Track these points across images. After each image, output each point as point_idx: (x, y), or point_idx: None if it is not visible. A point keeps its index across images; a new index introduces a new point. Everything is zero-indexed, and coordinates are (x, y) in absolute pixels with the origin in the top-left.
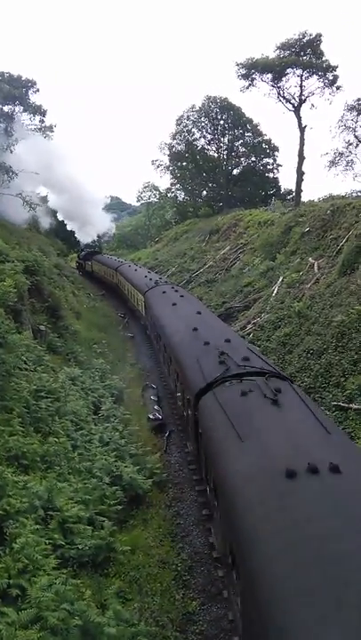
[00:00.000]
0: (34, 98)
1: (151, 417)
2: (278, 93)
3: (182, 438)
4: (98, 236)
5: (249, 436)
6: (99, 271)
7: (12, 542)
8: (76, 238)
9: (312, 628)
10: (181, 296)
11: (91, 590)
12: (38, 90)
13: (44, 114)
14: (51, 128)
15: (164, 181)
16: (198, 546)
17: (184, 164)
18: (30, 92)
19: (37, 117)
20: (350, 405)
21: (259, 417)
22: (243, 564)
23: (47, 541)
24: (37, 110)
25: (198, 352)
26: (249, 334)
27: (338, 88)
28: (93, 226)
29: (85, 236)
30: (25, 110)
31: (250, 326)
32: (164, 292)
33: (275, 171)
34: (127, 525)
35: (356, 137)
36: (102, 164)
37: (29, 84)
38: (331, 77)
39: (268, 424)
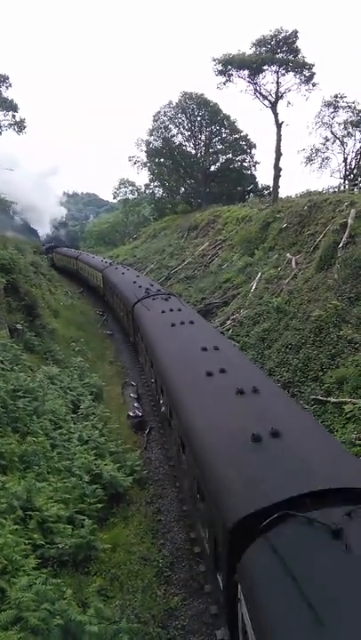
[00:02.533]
0: (6, 93)
1: (131, 414)
2: (255, 90)
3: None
4: (55, 228)
5: (153, 309)
6: (60, 261)
7: None
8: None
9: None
10: (128, 269)
11: (72, 589)
12: (11, 85)
13: (15, 109)
14: (22, 123)
15: (141, 178)
16: (179, 542)
17: (161, 160)
18: (3, 87)
19: (10, 113)
20: (328, 399)
21: (157, 305)
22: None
23: (27, 541)
24: (10, 106)
25: (135, 290)
26: (228, 330)
27: (314, 85)
28: (48, 217)
29: (43, 228)
30: None
31: (229, 322)
32: (116, 269)
33: (252, 168)
34: (108, 523)
35: (332, 133)
36: (79, 159)
37: (2, 79)
38: (307, 74)
39: (162, 305)
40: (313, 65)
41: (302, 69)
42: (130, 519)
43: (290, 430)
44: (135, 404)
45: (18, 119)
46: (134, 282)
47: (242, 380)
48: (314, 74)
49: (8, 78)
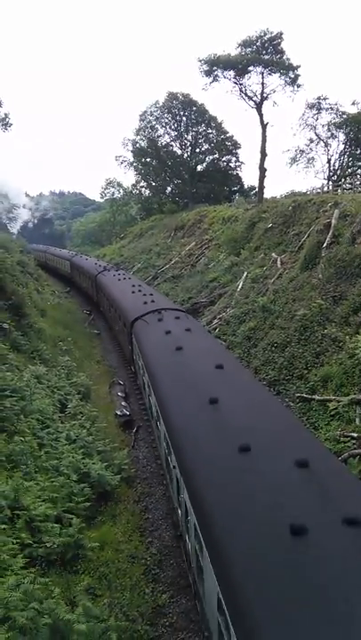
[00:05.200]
0: None
1: (119, 413)
2: (240, 90)
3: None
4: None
5: (108, 276)
6: None
7: None
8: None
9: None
10: (89, 257)
11: (60, 588)
12: None
13: None
14: (6, 117)
15: (128, 177)
16: (167, 539)
17: (148, 160)
18: None
19: None
20: (313, 397)
21: (111, 274)
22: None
23: (14, 541)
24: None
25: (97, 268)
26: (215, 329)
27: (298, 86)
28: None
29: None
30: None
31: (216, 321)
32: (81, 257)
33: (238, 168)
34: (96, 522)
35: (316, 134)
36: (66, 158)
37: None
38: (292, 76)
39: (114, 273)
40: (298, 66)
41: (287, 71)
42: (118, 517)
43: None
44: (123, 403)
45: (2, 115)
46: (95, 263)
47: (145, 293)
48: (299, 75)
49: None
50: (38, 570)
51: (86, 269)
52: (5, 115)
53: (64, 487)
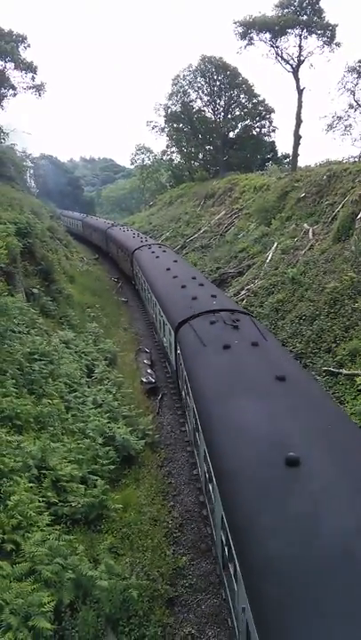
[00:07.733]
0: (25, 54)
1: (144, 380)
2: (277, 53)
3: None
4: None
5: (116, 230)
6: None
7: (6, 500)
8: None
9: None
10: (98, 217)
11: (83, 546)
12: (29, 45)
13: (35, 71)
14: (42, 86)
15: (159, 144)
16: (189, 504)
17: (180, 125)
18: (21, 47)
19: (29, 75)
20: (340, 371)
21: (117, 228)
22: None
23: (41, 499)
24: (29, 67)
25: (106, 225)
26: (243, 300)
27: (337, 45)
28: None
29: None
30: (16, 67)
31: (243, 292)
32: (91, 218)
33: (271, 134)
34: (120, 484)
35: (355, 100)
36: (96, 124)
37: (20, 39)
38: (329, 35)
39: (120, 228)
40: (336, 25)
41: (325, 31)
42: (141, 481)
43: (149, 241)
44: (148, 371)
45: (38, 82)
46: (105, 221)
47: (142, 237)
48: (335, 34)
49: (26, 38)
50: (63, 527)
51: (97, 226)
52: (42, 83)
53: (89, 450)
